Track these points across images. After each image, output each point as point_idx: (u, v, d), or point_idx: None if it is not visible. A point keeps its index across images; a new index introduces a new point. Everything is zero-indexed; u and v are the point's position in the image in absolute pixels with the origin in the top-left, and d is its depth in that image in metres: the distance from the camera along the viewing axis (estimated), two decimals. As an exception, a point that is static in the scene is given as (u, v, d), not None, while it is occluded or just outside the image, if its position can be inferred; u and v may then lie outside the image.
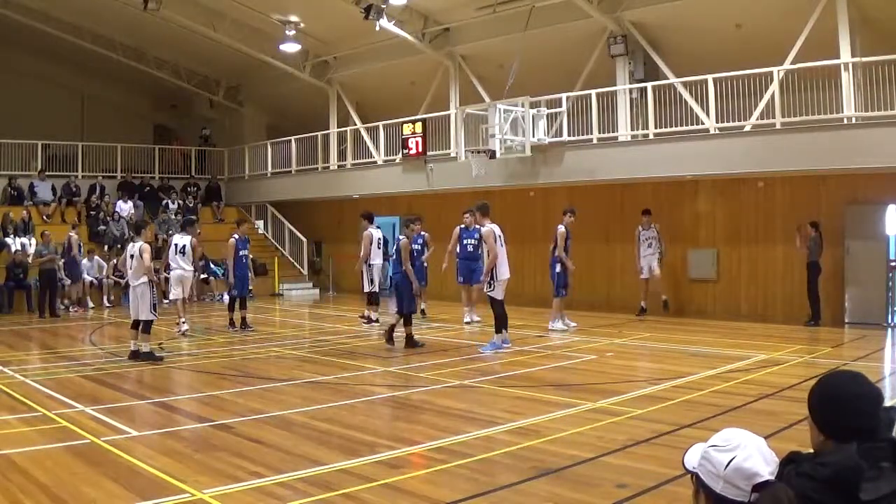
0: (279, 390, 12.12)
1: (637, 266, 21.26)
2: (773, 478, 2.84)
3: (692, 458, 3.05)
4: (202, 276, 28.07)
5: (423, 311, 21.50)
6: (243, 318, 19.56)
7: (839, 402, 3.00)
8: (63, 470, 7.72)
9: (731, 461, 2.87)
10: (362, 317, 20.89)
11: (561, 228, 18.51)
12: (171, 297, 19.73)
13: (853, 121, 17.80)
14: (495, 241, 15.98)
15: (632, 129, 21.61)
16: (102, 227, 28.76)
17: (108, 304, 26.16)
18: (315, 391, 12.14)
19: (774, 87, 18.64)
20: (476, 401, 11.15)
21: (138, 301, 14.79)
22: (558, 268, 18.54)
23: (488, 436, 8.99)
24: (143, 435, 9.13)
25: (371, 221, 20.83)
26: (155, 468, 7.70)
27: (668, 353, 15.65)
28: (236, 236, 19.83)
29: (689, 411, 10.04)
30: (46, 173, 30.20)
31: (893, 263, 19.01)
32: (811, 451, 3.02)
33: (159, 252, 28.26)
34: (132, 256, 15.01)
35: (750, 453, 2.87)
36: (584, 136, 22.09)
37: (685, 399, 10.87)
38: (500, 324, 15.90)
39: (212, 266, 28.31)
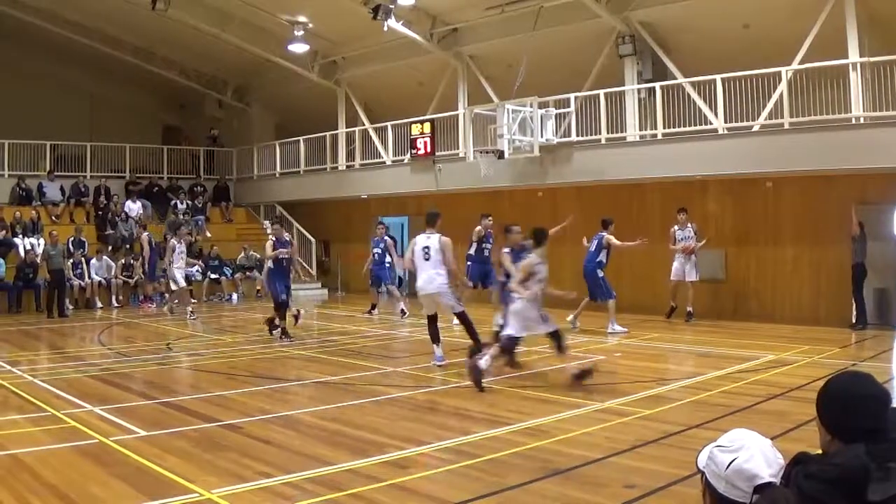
0: (287, 390, 12.15)
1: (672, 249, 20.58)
2: (774, 480, 2.85)
3: (702, 458, 3.06)
4: (213, 276, 28.32)
5: (402, 311, 22.18)
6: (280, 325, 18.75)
7: (847, 402, 3.00)
8: (71, 470, 7.74)
9: (732, 462, 2.89)
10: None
11: (614, 241, 18.68)
12: None
13: (862, 121, 17.78)
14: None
15: (640, 130, 21.60)
16: (111, 231, 28.86)
17: (116, 305, 26.20)
18: (323, 391, 12.16)
19: (783, 87, 18.62)
20: (484, 401, 11.12)
21: None
22: (601, 273, 18.66)
23: (497, 436, 8.98)
24: (152, 435, 9.14)
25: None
26: (163, 468, 7.72)
27: (676, 353, 15.66)
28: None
29: (698, 412, 10.03)
30: (55, 174, 30.31)
31: (903, 264, 18.97)
32: (819, 451, 3.02)
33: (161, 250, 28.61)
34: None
35: (752, 455, 2.88)
36: (593, 137, 22.08)
37: (694, 399, 10.87)
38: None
39: (224, 267, 28.44)
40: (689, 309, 20.24)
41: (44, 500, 6.81)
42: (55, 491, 7.06)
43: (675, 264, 20.48)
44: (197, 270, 28.02)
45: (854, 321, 18.61)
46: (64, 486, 7.18)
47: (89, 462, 8.01)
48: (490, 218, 19.87)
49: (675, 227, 20.46)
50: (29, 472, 7.65)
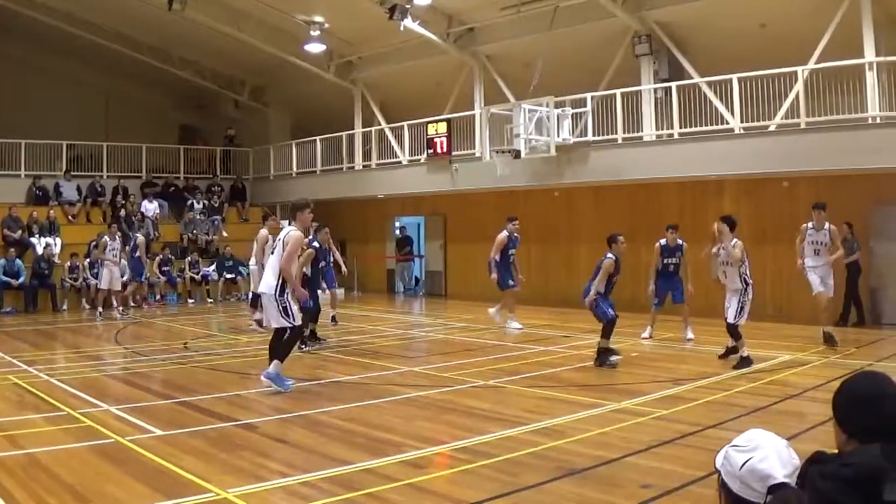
0: (304, 390, 12.15)
1: (798, 266, 16.57)
2: (788, 480, 2.86)
3: (719, 458, 3.07)
4: (229, 276, 28.33)
5: (333, 318, 20.38)
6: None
7: (863, 402, 3.00)
8: (88, 469, 7.79)
9: (746, 462, 2.90)
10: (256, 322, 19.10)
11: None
12: None
13: (878, 120, 17.74)
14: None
15: (656, 129, 21.58)
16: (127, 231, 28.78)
17: (132, 304, 26.21)
18: (339, 391, 12.16)
19: (799, 86, 18.60)
20: (500, 401, 11.15)
21: None
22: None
23: (513, 436, 9.00)
24: (168, 434, 9.18)
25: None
26: (180, 467, 7.77)
27: (692, 353, 15.62)
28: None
29: (714, 412, 10.03)
30: (72, 173, 30.41)
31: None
32: (836, 451, 3.02)
33: (184, 251, 28.64)
34: None
35: (766, 455, 2.89)
36: (609, 136, 22.08)
37: (710, 399, 10.86)
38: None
39: (239, 266, 28.47)
40: (827, 330, 16.01)
41: (60, 500, 6.86)
42: (71, 490, 7.11)
43: (812, 276, 16.15)
44: (213, 270, 28.14)
45: (857, 320, 18.56)
46: (80, 485, 7.23)
47: (106, 461, 8.06)
48: (516, 221, 19.23)
49: (809, 225, 16.26)
50: (45, 471, 7.71)
